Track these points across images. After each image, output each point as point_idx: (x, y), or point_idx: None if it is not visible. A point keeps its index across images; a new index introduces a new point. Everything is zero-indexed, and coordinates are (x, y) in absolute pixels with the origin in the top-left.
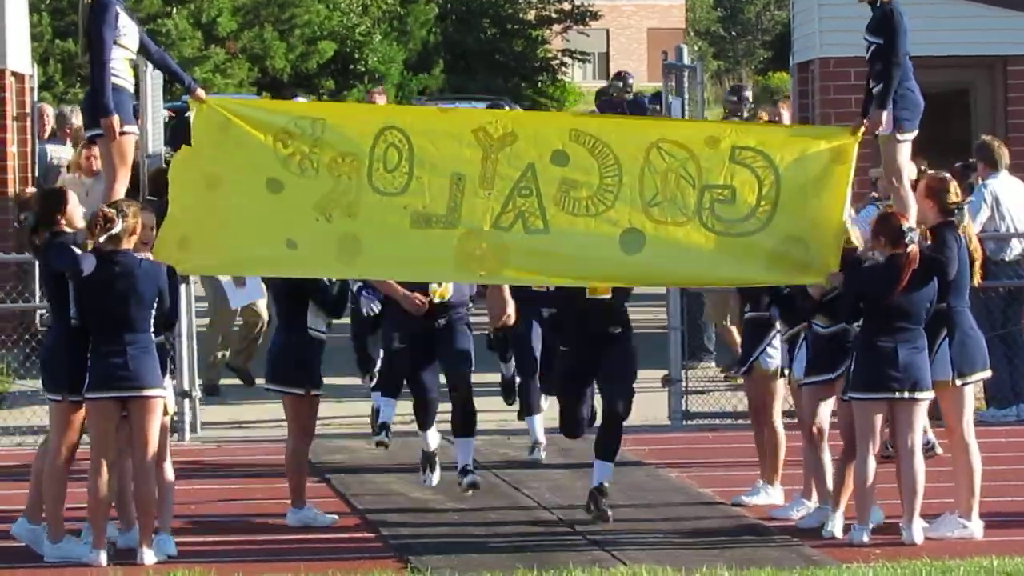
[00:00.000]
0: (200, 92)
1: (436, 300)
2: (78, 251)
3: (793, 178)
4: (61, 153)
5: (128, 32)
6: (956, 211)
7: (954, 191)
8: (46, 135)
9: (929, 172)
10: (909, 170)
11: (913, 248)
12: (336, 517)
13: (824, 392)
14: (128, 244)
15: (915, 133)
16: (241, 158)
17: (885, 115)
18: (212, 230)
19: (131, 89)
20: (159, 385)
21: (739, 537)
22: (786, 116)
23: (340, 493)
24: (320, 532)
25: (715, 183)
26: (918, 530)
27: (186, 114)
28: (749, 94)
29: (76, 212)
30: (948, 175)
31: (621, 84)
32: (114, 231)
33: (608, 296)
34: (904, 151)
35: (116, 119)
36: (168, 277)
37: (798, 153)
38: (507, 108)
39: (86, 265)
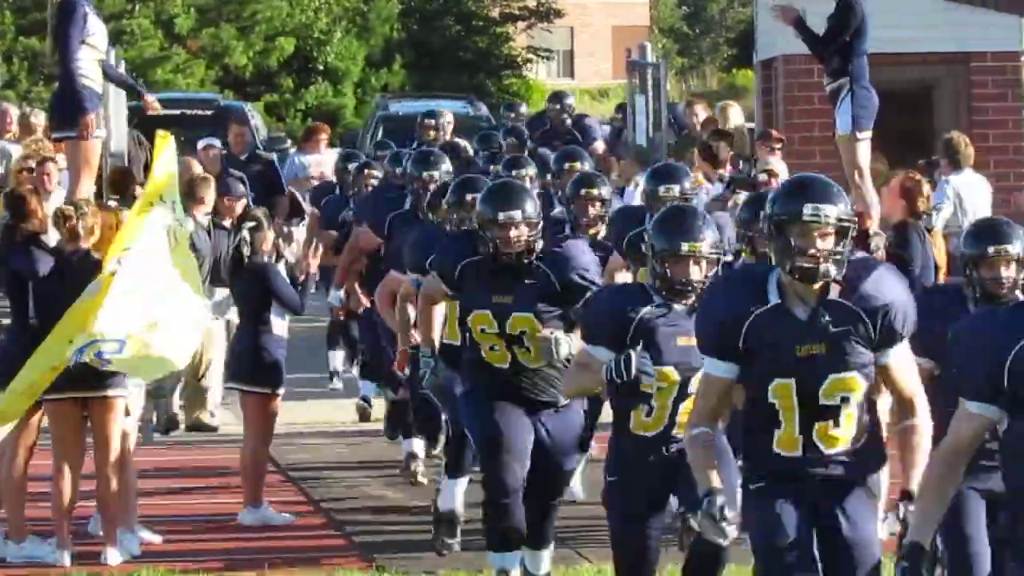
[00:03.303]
0: (148, 98)
1: None
2: (39, 252)
3: None
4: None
5: (96, 31)
6: (925, 217)
7: (926, 195)
8: (7, 135)
9: (907, 172)
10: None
11: (880, 255)
12: (292, 516)
13: None
14: (86, 243)
15: (871, 131)
16: None
17: (843, 112)
18: None
19: (99, 90)
20: (120, 384)
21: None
22: (703, 115)
23: (304, 492)
24: (285, 531)
25: None
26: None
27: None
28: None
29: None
30: (922, 178)
31: (558, 106)
32: (74, 230)
33: None
34: (863, 149)
35: (92, 118)
36: None
37: None
38: (473, 106)
39: (42, 266)
